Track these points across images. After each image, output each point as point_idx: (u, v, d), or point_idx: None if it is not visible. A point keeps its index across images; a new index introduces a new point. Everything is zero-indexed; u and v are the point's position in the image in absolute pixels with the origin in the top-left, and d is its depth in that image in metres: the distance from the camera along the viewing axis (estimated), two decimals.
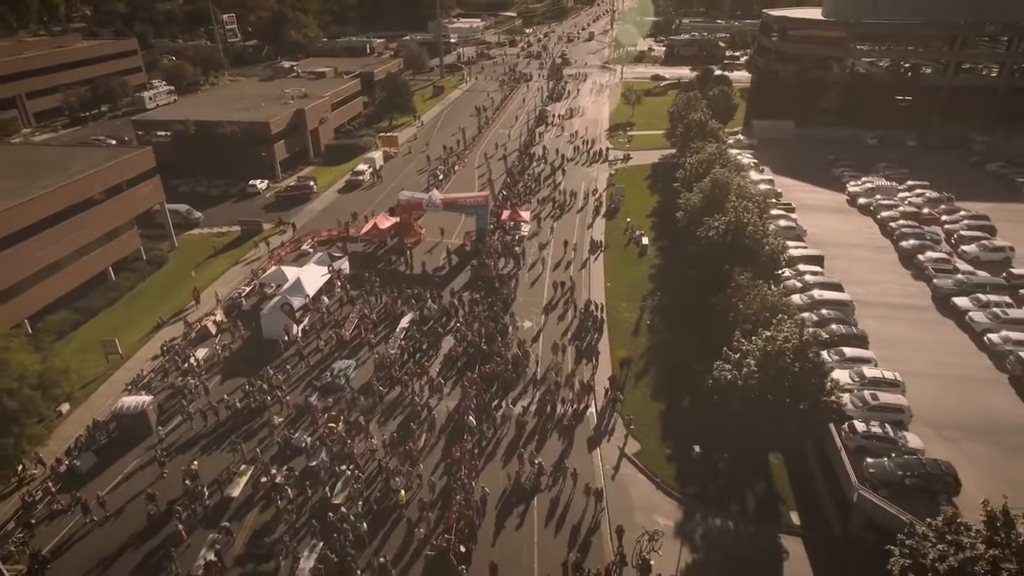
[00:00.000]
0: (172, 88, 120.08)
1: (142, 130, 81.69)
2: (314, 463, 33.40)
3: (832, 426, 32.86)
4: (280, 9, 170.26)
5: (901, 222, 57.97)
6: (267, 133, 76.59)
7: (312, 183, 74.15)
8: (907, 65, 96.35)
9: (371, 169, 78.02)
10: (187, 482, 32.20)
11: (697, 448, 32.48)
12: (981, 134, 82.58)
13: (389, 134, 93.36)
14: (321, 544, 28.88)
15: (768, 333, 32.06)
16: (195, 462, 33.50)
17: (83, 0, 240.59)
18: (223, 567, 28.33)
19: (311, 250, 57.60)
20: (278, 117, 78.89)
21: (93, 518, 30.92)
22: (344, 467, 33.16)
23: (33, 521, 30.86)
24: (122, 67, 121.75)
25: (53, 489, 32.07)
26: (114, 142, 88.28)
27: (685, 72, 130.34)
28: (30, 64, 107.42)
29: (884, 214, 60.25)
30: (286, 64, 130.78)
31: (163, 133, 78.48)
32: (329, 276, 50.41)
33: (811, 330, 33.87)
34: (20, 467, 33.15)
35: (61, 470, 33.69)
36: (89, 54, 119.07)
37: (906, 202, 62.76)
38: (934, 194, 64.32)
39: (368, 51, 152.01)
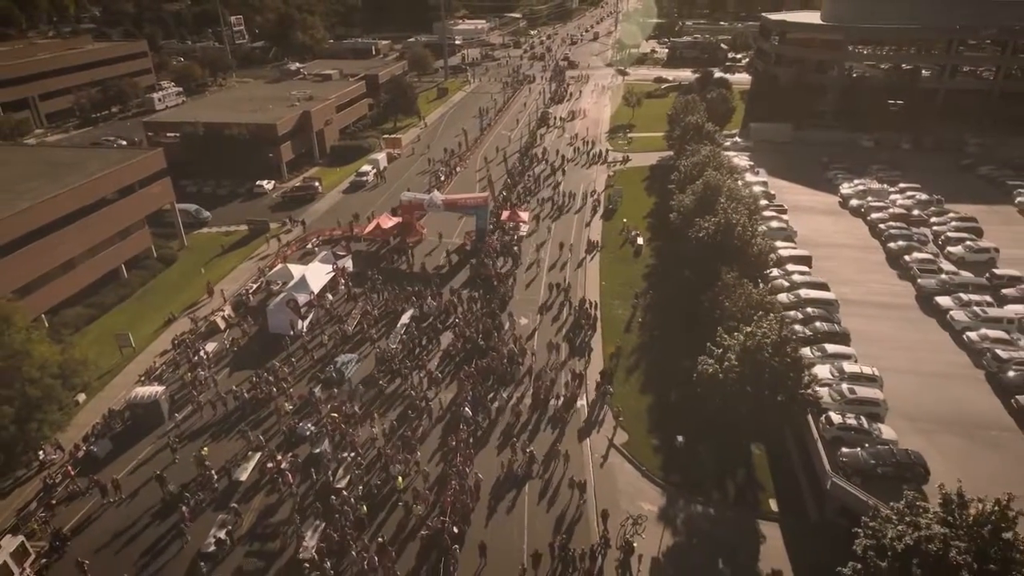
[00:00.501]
0: (181, 90, 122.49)
1: (152, 131, 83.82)
2: (317, 450, 35.23)
3: (810, 417, 34.53)
4: (287, 11, 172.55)
5: (890, 223, 59.36)
6: (274, 135, 78.55)
7: (317, 184, 76.11)
8: (908, 68, 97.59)
9: (375, 170, 79.90)
10: (207, 463, 34.15)
11: (680, 438, 34.20)
12: (975, 137, 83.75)
13: (393, 136, 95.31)
14: (323, 525, 30.70)
15: (748, 329, 33.72)
16: (205, 448, 35.41)
17: (92, 0, 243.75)
18: (232, 545, 30.23)
19: (316, 248, 59.56)
20: (285, 119, 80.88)
21: (110, 500, 32.86)
22: (346, 454, 35.01)
23: (54, 502, 32.82)
24: (132, 69, 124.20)
25: (72, 473, 34.04)
26: (125, 143, 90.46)
27: (687, 74, 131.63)
28: (43, 66, 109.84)
29: (874, 216, 61.66)
30: (293, 66, 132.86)
31: (172, 134, 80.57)
32: (333, 274, 52.29)
33: (793, 326, 35.52)
34: (41, 452, 35.12)
35: (79, 455, 35.66)
36: (100, 56, 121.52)
37: (896, 204, 64.14)
38: (924, 196, 65.69)
39: (374, 52, 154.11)
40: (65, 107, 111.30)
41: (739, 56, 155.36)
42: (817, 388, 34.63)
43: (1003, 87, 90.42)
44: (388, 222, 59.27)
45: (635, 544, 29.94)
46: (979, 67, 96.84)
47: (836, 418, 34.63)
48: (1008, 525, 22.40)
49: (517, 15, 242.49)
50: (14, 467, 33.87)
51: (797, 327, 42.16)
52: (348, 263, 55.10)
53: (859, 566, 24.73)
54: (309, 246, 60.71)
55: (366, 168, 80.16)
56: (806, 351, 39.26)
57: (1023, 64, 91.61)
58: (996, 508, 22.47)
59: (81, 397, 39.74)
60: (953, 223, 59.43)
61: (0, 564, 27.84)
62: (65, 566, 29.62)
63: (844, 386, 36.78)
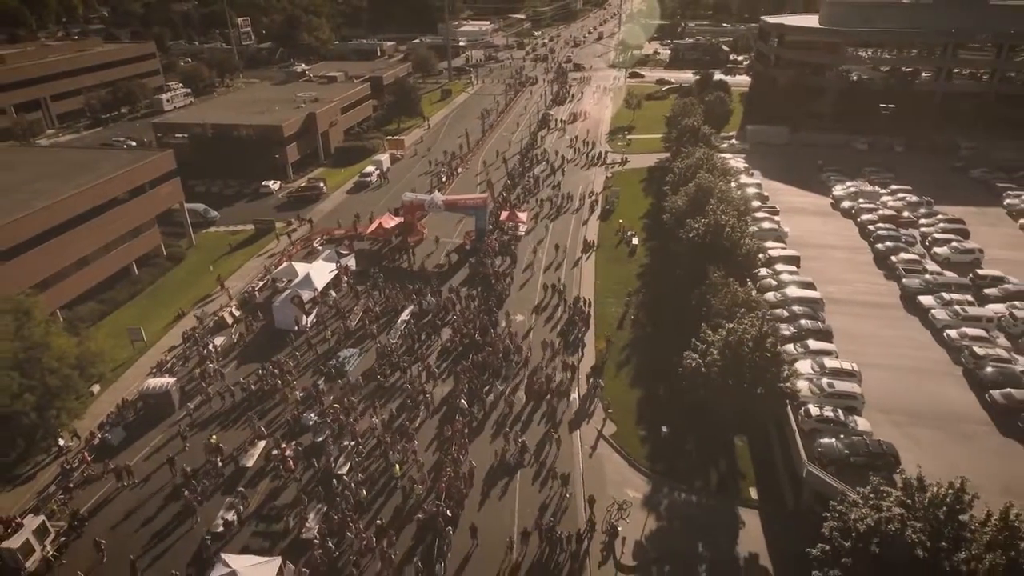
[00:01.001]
0: (189, 91, 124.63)
1: (161, 132, 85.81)
2: (320, 439, 37.08)
3: (790, 410, 36.14)
4: (293, 12, 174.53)
5: (879, 224, 60.70)
6: (280, 136, 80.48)
7: (322, 184, 78.04)
8: (908, 71, 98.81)
9: (378, 171, 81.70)
10: (221, 445, 36.26)
11: (665, 429, 35.88)
12: (968, 140, 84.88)
13: (396, 137, 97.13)
14: (325, 508, 32.53)
15: (730, 325, 35.37)
16: (214, 436, 37.29)
17: (101, 1, 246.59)
18: (239, 526, 32.12)
19: (320, 247, 61.45)
20: (290, 121, 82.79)
21: (124, 484, 34.78)
22: (347, 442, 36.84)
23: (71, 485, 34.76)
24: (141, 70, 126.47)
25: (88, 459, 36.01)
26: (134, 143, 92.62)
27: (689, 76, 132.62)
28: (54, 67, 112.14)
29: (864, 217, 63.01)
30: (298, 68, 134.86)
31: (181, 135, 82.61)
32: (336, 271, 54.14)
33: (777, 323, 37.10)
34: (60, 439, 37.07)
35: (95, 442, 37.63)
36: (110, 57, 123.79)
37: (886, 205, 65.48)
38: (914, 198, 66.99)
39: (379, 54, 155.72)
40: (76, 108, 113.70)
41: (740, 58, 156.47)
42: (798, 382, 36.28)
43: (998, 90, 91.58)
44: (390, 222, 61.10)
45: (620, 528, 31.65)
46: (978, 70, 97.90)
47: (814, 410, 36.20)
48: (963, 507, 24.04)
49: (521, 16, 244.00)
50: (34, 453, 35.88)
51: (783, 324, 43.76)
52: (351, 261, 56.92)
53: (827, 547, 26.38)
54: (315, 244, 62.62)
55: (370, 169, 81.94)
56: (789, 347, 40.94)
57: (1018, 67, 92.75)
58: (950, 491, 24.09)
59: (95, 388, 41.65)
60: (941, 224, 60.78)
61: (23, 541, 29.78)
62: (83, 544, 31.61)
63: (824, 380, 38.36)
